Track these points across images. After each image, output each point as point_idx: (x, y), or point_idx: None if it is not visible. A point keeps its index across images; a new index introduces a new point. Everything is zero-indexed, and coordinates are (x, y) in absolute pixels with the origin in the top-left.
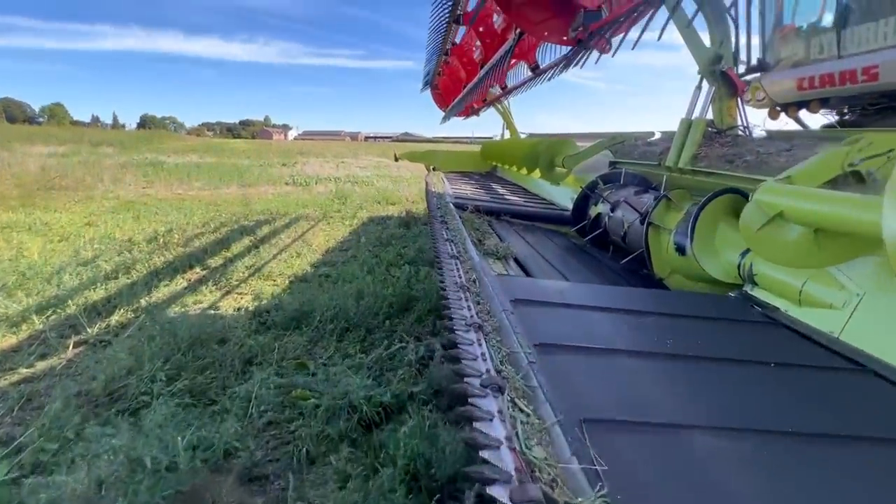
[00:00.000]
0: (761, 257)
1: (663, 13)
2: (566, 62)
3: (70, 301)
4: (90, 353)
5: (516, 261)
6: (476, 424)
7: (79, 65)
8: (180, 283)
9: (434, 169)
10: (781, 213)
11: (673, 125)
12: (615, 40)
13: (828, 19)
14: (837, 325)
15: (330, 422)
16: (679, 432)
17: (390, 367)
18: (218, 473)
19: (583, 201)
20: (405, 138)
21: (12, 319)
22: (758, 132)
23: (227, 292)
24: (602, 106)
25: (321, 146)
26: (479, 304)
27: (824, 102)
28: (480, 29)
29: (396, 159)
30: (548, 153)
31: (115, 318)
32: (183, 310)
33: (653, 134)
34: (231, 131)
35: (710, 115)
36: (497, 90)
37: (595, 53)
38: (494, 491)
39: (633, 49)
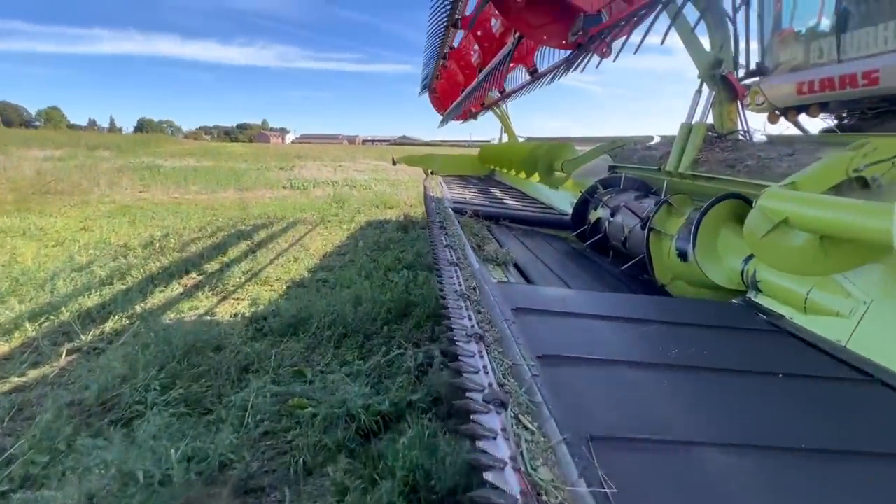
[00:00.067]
0: (766, 264)
1: (664, 17)
2: (565, 66)
3: (64, 308)
4: (84, 360)
5: (516, 266)
6: (479, 443)
7: (76, 68)
8: (176, 288)
9: (432, 173)
10: (786, 220)
11: (671, 129)
12: (616, 45)
13: (828, 23)
14: (844, 333)
15: (327, 431)
16: (689, 450)
17: (389, 374)
18: (213, 486)
19: (582, 206)
20: (403, 142)
21: (5, 327)
22: (758, 137)
23: (224, 298)
24: (600, 110)
25: (319, 150)
26: (479, 312)
27: (824, 106)
28: (479, 33)
29: (394, 163)
30: (547, 157)
31: (109, 325)
32: (179, 316)
33: (652, 138)
34: (228, 135)
35: (710, 120)
36: (495, 94)
37: (595, 58)
38: None
39: (635, 53)
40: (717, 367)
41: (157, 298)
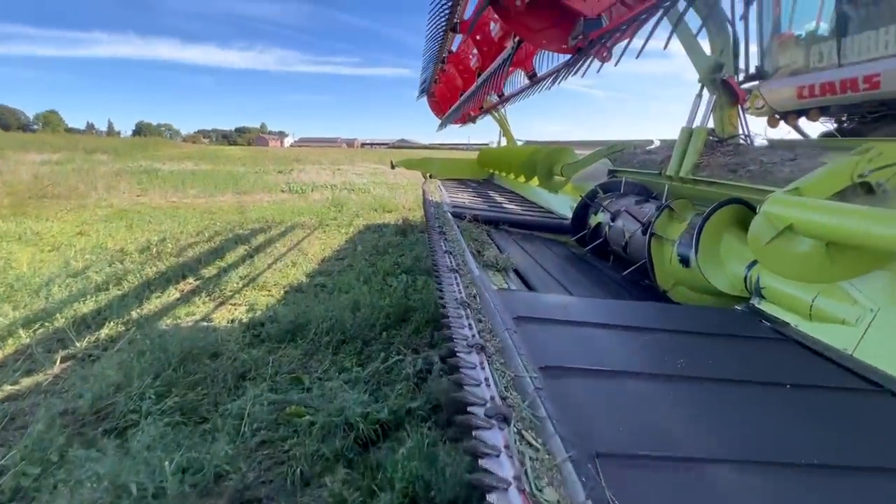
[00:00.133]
0: (771, 271)
1: (664, 20)
2: (565, 70)
3: (58, 314)
4: (78, 368)
5: (516, 272)
6: (482, 462)
7: (75, 72)
8: (173, 294)
9: (431, 176)
10: (791, 226)
11: (670, 133)
12: (617, 49)
13: (827, 27)
14: (851, 341)
15: (325, 440)
16: (698, 467)
17: (387, 380)
18: (208, 498)
19: (582, 210)
20: (402, 145)
21: None
22: (759, 141)
23: (221, 303)
24: (601, 114)
25: (318, 153)
26: (480, 321)
27: (824, 110)
28: (478, 37)
29: (393, 167)
30: (546, 161)
31: (104, 332)
32: (175, 322)
33: (652, 142)
34: (227, 138)
35: (710, 124)
36: (494, 98)
37: (596, 62)
38: None
39: (637, 57)
40: (723, 377)
41: (154, 304)
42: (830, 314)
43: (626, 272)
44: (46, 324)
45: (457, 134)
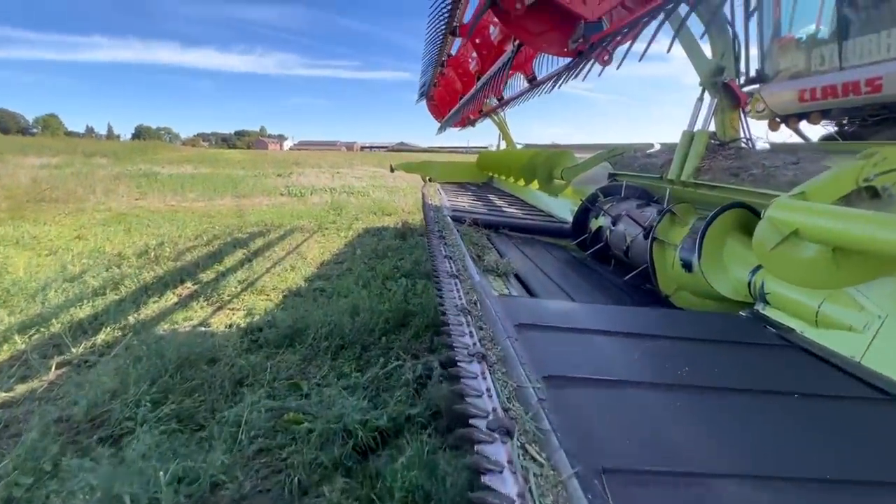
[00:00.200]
0: (776, 277)
1: (665, 24)
2: (566, 74)
3: (55, 319)
4: (74, 374)
5: (517, 277)
6: (485, 479)
7: (74, 76)
8: (170, 298)
9: (430, 180)
10: (797, 231)
11: (669, 137)
12: (618, 53)
13: (829, 31)
14: (858, 348)
15: (323, 448)
16: (708, 483)
17: (386, 386)
18: None
19: (583, 214)
20: (401, 148)
21: None
22: (761, 144)
23: (219, 308)
24: (603, 118)
25: (317, 156)
26: (481, 329)
27: (825, 114)
28: (477, 41)
29: (392, 170)
30: (546, 165)
31: (101, 337)
32: (172, 327)
33: (652, 146)
34: (226, 142)
35: (711, 128)
36: (493, 101)
37: (597, 66)
38: None
39: (640, 61)
40: (730, 386)
41: (151, 309)
42: (837, 320)
43: (627, 277)
44: (42, 329)
45: (456, 137)
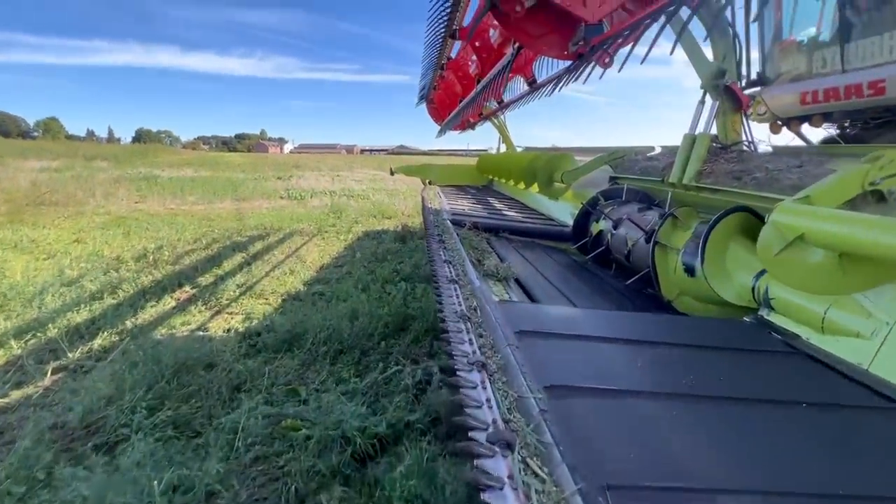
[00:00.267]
0: (781, 283)
1: (667, 26)
2: (566, 76)
3: (51, 324)
4: (70, 380)
5: (517, 282)
6: (485, 496)
7: (75, 80)
8: (168, 303)
9: (430, 183)
10: (802, 236)
11: (670, 139)
12: (619, 55)
13: (831, 34)
14: (866, 356)
15: (321, 455)
16: (718, 501)
17: (386, 392)
18: None
19: (583, 218)
20: (401, 151)
21: None
22: (763, 147)
23: (217, 312)
24: (599, 120)
25: (317, 159)
26: (481, 336)
27: (827, 116)
28: (477, 44)
29: (392, 173)
30: (546, 168)
31: (97, 342)
32: (170, 332)
33: (653, 148)
34: (227, 145)
35: (713, 131)
36: (493, 104)
37: (597, 69)
38: None
39: (641, 63)
40: (737, 395)
41: (149, 313)
42: (844, 327)
43: (629, 281)
44: (38, 334)
45: (456, 140)
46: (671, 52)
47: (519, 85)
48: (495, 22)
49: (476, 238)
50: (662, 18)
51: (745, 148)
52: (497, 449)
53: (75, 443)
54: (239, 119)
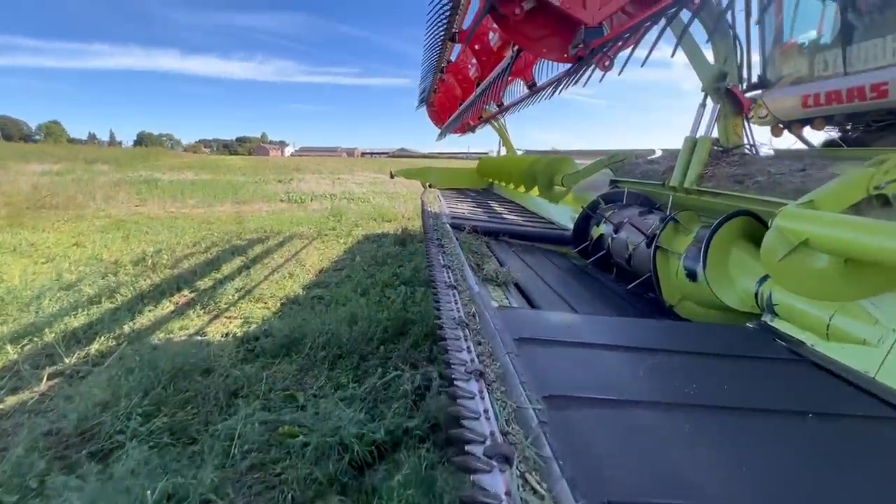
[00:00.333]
0: (785, 288)
1: (668, 29)
2: (566, 79)
3: (48, 328)
4: (66, 385)
5: (517, 287)
6: None
7: (77, 83)
8: (167, 307)
9: (430, 186)
10: (807, 241)
11: (670, 142)
12: (620, 58)
13: (833, 36)
14: (873, 363)
15: (319, 462)
16: None
17: (384, 397)
18: None
19: (584, 221)
20: (401, 154)
21: None
22: (765, 151)
23: (216, 316)
24: (599, 123)
25: (317, 162)
26: (479, 344)
27: (829, 119)
28: (476, 47)
29: (392, 176)
30: (546, 171)
31: (94, 347)
32: (167, 337)
33: (654, 152)
34: (228, 148)
35: (714, 134)
36: (493, 108)
37: (598, 72)
38: None
39: (642, 66)
40: (741, 405)
41: (146, 318)
42: (849, 334)
43: (630, 286)
44: (35, 339)
45: (456, 143)
46: (672, 55)
47: (519, 88)
48: (494, 25)
49: (476, 242)
50: (663, 21)
51: (746, 151)
52: (494, 463)
53: (69, 450)
54: (240, 122)
